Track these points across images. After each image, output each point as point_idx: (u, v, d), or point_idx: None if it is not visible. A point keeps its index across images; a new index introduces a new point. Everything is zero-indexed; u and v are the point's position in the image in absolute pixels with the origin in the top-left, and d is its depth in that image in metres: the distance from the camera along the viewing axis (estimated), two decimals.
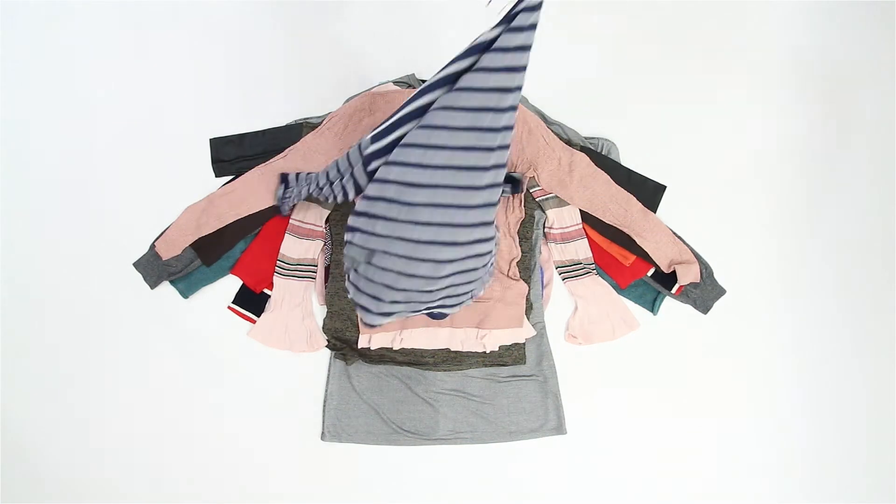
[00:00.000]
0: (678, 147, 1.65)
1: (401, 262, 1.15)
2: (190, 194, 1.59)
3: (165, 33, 1.67)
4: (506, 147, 1.11)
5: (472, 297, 1.31)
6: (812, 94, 1.67)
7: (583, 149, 1.57)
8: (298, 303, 1.55)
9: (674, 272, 1.56)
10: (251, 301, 1.57)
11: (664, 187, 1.58)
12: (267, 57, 1.66)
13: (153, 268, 1.56)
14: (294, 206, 1.54)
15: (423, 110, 1.14)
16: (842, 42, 1.68)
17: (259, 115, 1.62)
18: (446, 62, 1.12)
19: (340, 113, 1.56)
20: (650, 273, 1.57)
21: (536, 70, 1.65)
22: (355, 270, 1.22)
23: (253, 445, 1.56)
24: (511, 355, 1.53)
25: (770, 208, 1.64)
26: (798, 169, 1.65)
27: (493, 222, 1.18)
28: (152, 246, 1.57)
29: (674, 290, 1.57)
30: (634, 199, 1.55)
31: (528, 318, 1.54)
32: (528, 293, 1.54)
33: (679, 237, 1.59)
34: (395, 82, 1.60)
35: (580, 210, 1.57)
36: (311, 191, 1.38)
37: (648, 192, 1.57)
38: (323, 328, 1.55)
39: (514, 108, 1.08)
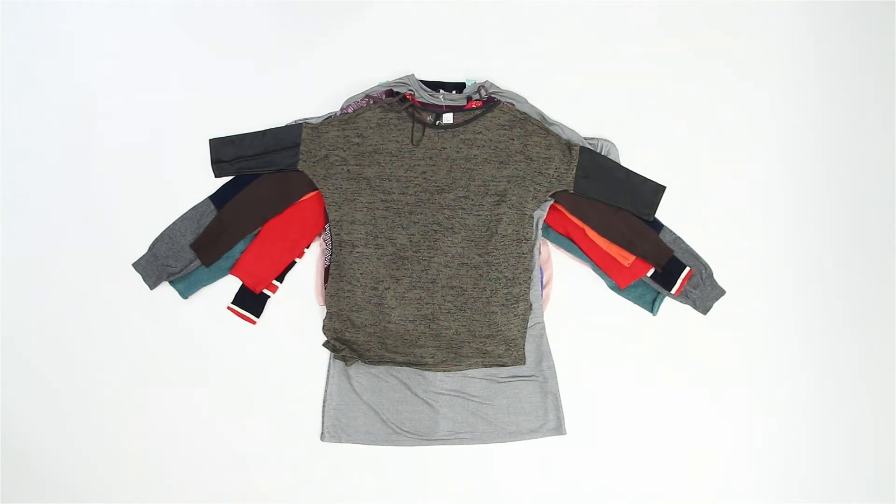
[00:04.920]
0: (678, 147, 1.65)
1: None
2: (190, 195, 1.59)
3: (165, 33, 1.67)
4: None
5: None
6: (812, 93, 1.67)
7: (582, 149, 1.57)
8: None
9: (673, 273, 1.56)
10: (251, 301, 1.57)
11: (663, 188, 1.57)
12: (267, 57, 1.66)
13: (152, 268, 1.56)
14: None
15: None
16: (842, 42, 1.68)
17: (259, 115, 1.62)
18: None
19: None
20: (650, 273, 1.57)
21: (537, 70, 1.66)
22: None
23: (252, 446, 1.56)
24: (511, 356, 1.53)
25: (770, 209, 1.64)
26: (798, 169, 1.65)
27: None
28: (152, 246, 1.57)
29: (673, 291, 1.57)
30: None
31: (527, 318, 1.54)
32: (528, 293, 1.54)
33: (679, 237, 1.59)
34: (395, 83, 1.60)
35: (579, 210, 1.57)
36: None
37: (647, 193, 1.57)
38: (323, 329, 1.55)
39: None
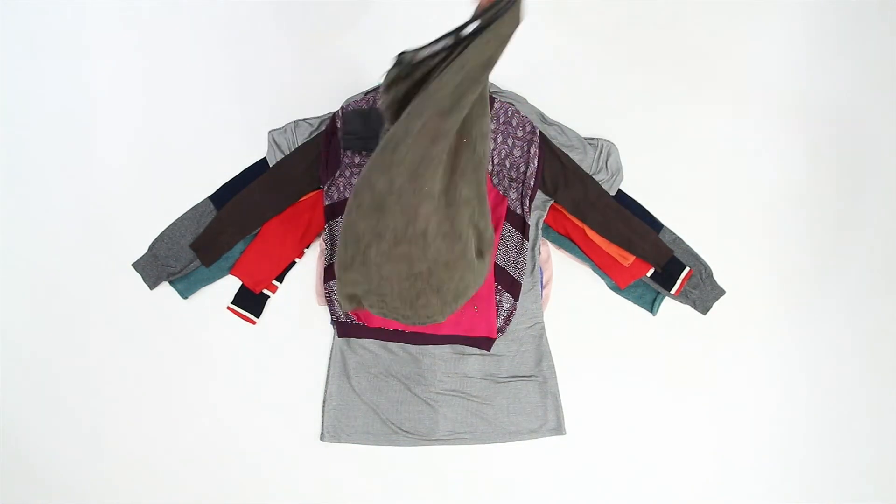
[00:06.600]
0: (678, 148, 1.64)
1: None
2: (190, 195, 1.59)
3: (165, 33, 1.67)
4: None
5: None
6: (813, 93, 1.67)
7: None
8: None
9: (673, 273, 1.56)
10: (250, 301, 1.57)
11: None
12: (267, 57, 1.66)
13: (152, 268, 1.56)
14: None
15: None
16: (843, 42, 1.68)
17: (259, 115, 1.62)
18: None
19: None
20: (650, 273, 1.57)
21: (536, 70, 1.66)
22: None
23: (252, 445, 1.56)
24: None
25: (769, 209, 1.64)
26: (798, 169, 1.65)
27: None
28: (151, 246, 1.57)
29: (673, 291, 1.57)
30: None
31: (527, 318, 1.54)
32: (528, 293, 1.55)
33: (679, 237, 1.59)
34: None
35: (579, 210, 1.57)
36: None
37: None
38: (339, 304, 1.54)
39: None
